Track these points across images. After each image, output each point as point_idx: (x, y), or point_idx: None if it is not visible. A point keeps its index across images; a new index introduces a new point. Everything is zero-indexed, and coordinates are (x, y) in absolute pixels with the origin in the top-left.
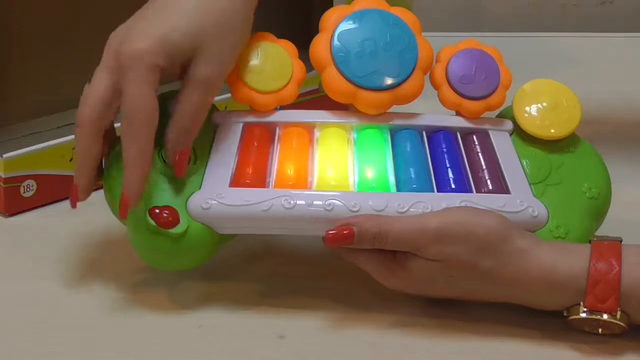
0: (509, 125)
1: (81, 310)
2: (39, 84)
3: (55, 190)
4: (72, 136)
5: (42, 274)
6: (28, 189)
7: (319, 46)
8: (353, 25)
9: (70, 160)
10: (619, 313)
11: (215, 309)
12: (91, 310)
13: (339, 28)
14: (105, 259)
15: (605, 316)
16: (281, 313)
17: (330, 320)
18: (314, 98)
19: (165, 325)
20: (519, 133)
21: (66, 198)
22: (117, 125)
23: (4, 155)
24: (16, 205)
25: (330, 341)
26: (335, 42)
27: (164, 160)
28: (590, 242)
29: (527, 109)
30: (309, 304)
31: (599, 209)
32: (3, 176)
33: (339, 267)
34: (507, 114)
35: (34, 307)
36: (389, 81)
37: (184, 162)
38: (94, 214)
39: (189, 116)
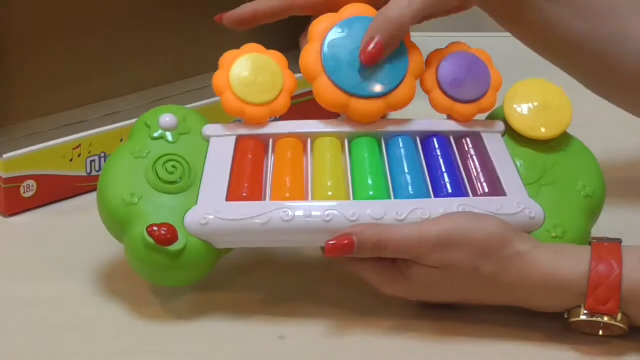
0: (500, 126)
1: (81, 310)
2: (39, 84)
3: (55, 190)
4: (72, 136)
5: (42, 274)
6: (28, 189)
7: (309, 56)
8: (342, 34)
9: (70, 160)
10: (619, 315)
11: (216, 311)
12: (91, 310)
13: (328, 37)
14: (105, 258)
15: (605, 318)
16: (281, 318)
17: (330, 324)
18: (312, 99)
19: (166, 325)
20: (511, 133)
21: (66, 198)
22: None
23: (4, 155)
24: (16, 205)
25: (330, 344)
26: (325, 51)
27: (159, 176)
28: (590, 243)
29: (518, 108)
30: (308, 309)
31: (595, 206)
32: (3, 176)
33: (337, 272)
34: (498, 115)
35: (34, 307)
36: (380, 89)
37: (374, 51)
38: (95, 213)
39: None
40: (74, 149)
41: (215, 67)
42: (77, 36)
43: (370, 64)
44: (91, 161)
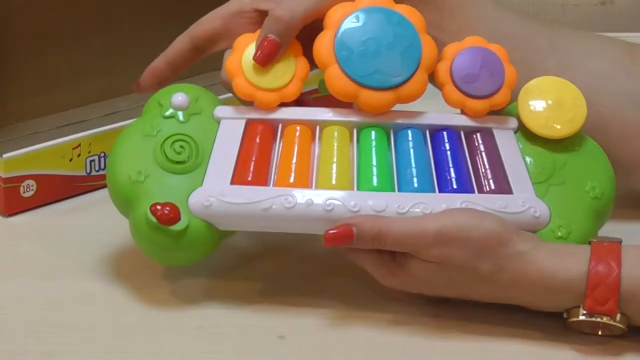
0: (513, 123)
1: (81, 310)
2: (39, 84)
3: (55, 190)
4: (72, 136)
5: (42, 274)
6: (28, 189)
7: (322, 44)
8: (357, 24)
9: (70, 160)
10: (618, 315)
11: (215, 309)
12: (91, 310)
13: (342, 26)
14: (105, 259)
15: (604, 319)
16: (281, 312)
17: (330, 319)
18: (313, 99)
19: (165, 325)
20: (524, 131)
21: (66, 198)
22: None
23: (4, 155)
24: (16, 205)
25: (330, 340)
26: (339, 40)
27: (166, 156)
28: (590, 243)
29: (532, 107)
30: (308, 302)
31: (603, 209)
32: (3, 176)
33: (338, 265)
34: (512, 111)
35: (34, 307)
36: (392, 80)
37: (264, 50)
38: (95, 213)
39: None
40: (74, 149)
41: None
42: (77, 36)
43: (264, 65)
44: (91, 161)
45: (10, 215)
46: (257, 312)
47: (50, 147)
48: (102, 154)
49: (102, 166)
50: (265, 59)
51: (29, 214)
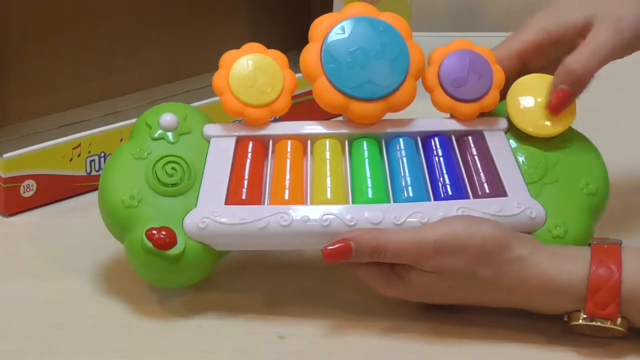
0: (503, 123)
1: (81, 310)
2: (39, 84)
3: (55, 190)
4: (72, 136)
5: (42, 274)
6: (28, 189)
7: (309, 57)
8: (343, 35)
9: (70, 160)
10: (619, 319)
11: (216, 310)
12: (91, 310)
13: (328, 38)
14: (105, 258)
15: (605, 323)
16: (281, 318)
17: (330, 324)
18: (312, 99)
19: (166, 325)
20: (514, 130)
21: (66, 198)
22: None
23: (4, 155)
24: (16, 205)
25: (330, 342)
26: (326, 52)
27: (159, 179)
28: (589, 244)
29: (522, 106)
30: (308, 309)
31: (598, 205)
32: (3, 176)
33: (338, 272)
34: (501, 111)
35: (34, 307)
36: (381, 90)
37: (557, 100)
38: (95, 213)
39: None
40: (74, 149)
41: (215, 67)
42: (77, 36)
43: (555, 114)
44: (91, 161)
45: (10, 215)
46: (257, 315)
47: (50, 147)
48: (102, 154)
49: (102, 166)
50: (558, 109)
51: (29, 214)
